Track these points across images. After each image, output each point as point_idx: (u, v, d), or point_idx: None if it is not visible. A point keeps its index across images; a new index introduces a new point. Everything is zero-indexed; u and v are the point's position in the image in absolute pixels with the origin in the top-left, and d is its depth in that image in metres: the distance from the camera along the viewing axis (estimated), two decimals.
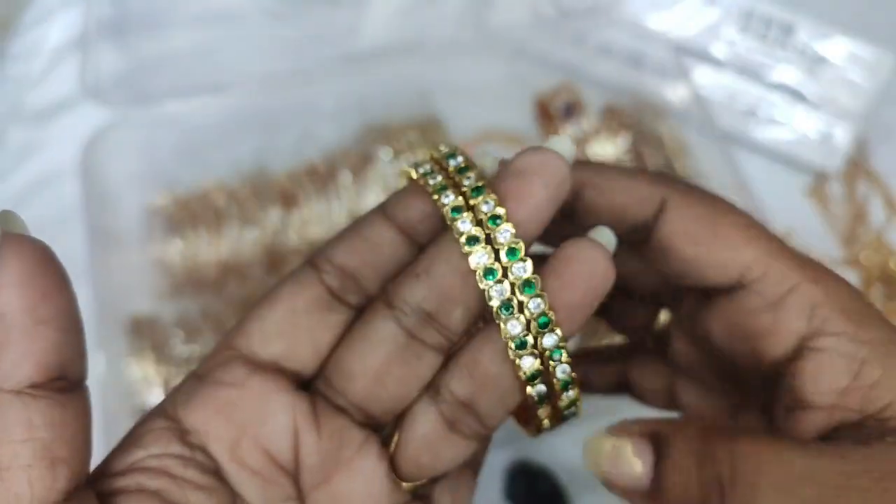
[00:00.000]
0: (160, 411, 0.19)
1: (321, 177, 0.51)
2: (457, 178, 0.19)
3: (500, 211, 0.18)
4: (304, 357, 0.19)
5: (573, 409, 0.20)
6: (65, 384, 0.17)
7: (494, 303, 0.18)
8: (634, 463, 0.18)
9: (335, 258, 0.19)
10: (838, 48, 0.56)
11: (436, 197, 0.19)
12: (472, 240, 0.18)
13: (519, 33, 0.59)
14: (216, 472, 0.19)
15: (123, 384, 0.44)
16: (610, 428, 0.19)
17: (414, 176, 0.20)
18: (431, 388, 0.20)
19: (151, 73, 0.58)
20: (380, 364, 0.19)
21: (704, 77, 0.58)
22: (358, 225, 0.20)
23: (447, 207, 0.19)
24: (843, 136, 0.56)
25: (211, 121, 0.52)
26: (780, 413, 0.21)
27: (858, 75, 0.56)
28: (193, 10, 0.61)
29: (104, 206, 0.49)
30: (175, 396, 0.19)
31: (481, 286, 0.18)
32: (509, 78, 0.59)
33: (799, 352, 0.20)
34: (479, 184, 0.19)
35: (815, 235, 0.54)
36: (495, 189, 0.19)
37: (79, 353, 0.18)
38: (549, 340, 0.19)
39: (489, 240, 0.18)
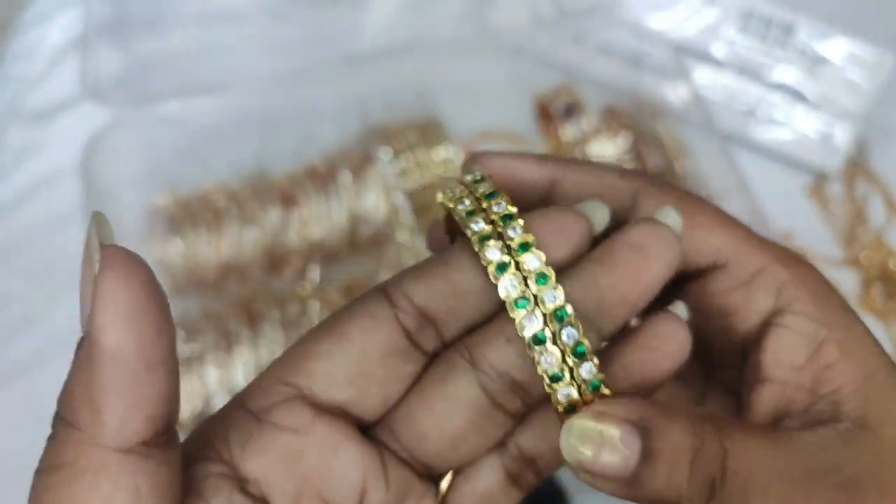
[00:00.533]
0: (212, 452, 0.17)
1: (321, 177, 0.51)
2: (507, 239, 0.18)
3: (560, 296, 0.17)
4: (372, 405, 0.18)
5: None
6: (169, 438, 0.15)
7: (546, 380, 0.17)
8: (620, 451, 0.17)
9: (416, 297, 0.18)
10: (838, 48, 0.56)
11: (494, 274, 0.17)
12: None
13: (519, 33, 0.59)
14: None
15: None
16: (595, 412, 0.17)
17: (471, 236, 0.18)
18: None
19: (151, 73, 0.58)
20: (457, 429, 0.18)
21: (704, 77, 0.58)
22: (445, 265, 0.18)
23: (509, 296, 0.17)
24: (843, 136, 0.56)
25: (211, 121, 0.52)
26: (744, 392, 0.21)
27: (858, 75, 0.56)
28: (194, 9, 0.61)
29: (104, 206, 0.49)
30: (228, 435, 0.17)
31: (540, 372, 0.17)
32: (509, 78, 0.59)
33: (765, 328, 0.20)
34: (542, 270, 0.17)
35: (815, 235, 0.54)
36: (605, 261, 0.18)
37: (178, 398, 0.15)
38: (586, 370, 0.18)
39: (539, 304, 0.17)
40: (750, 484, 0.17)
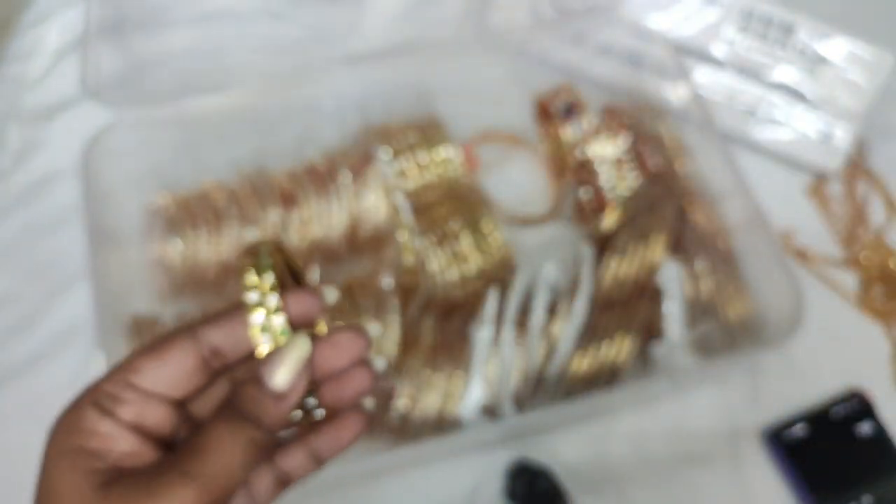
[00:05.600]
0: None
1: (321, 177, 0.51)
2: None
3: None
4: (177, 397, 0.27)
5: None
6: None
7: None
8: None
9: (213, 340, 0.27)
10: (838, 48, 0.56)
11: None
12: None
13: (519, 34, 0.59)
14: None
15: None
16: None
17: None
18: None
19: (151, 73, 0.58)
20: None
21: (704, 77, 0.58)
22: (232, 318, 0.27)
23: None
24: (843, 136, 0.56)
25: (211, 121, 0.52)
26: None
27: (858, 75, 0.56)
28: (193, 9, 0.61)
29: (104, 206, 0.49)
30: (102, 403, 0.26)
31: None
32: (509, 78, 0.59)
33: None
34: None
35: (815, 235, 0.54)
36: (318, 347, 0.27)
37: None
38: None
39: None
40: None
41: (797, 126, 0.57)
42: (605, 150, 0.54)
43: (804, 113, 0.57)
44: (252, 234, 0.49)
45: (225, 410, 0.26)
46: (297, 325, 0.27)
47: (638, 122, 0.55)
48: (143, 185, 0.51)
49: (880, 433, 0.46)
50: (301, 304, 0.28)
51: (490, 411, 0.45)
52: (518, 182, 0.55)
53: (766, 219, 0.49)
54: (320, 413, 0.29)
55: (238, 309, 0.28)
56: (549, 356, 0.46)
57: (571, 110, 0.55)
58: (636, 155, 0.54)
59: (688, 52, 0.58)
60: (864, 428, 0.46)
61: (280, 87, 0.54)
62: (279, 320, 0.27)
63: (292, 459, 0.29)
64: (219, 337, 0.27)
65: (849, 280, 0.53)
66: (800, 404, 0.47)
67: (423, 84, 0.56)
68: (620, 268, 0.48)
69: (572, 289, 0.47)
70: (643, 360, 0.47)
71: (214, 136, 0.53)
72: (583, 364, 0.46)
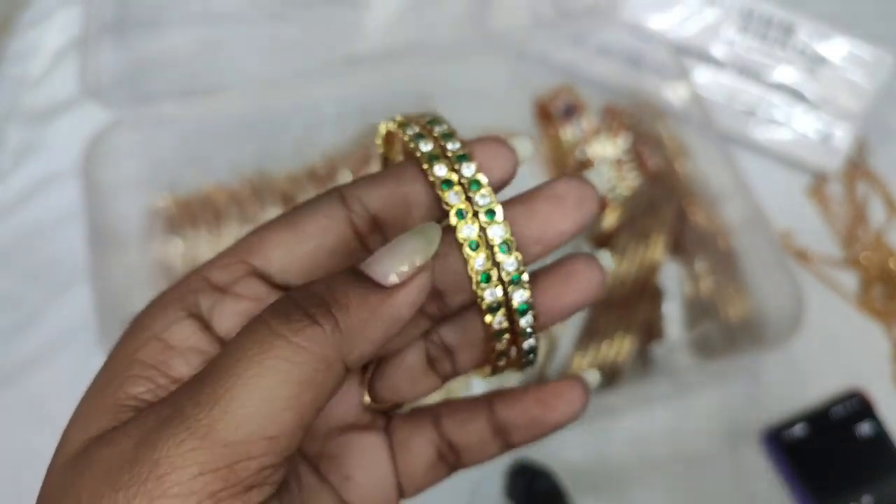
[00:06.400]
0: (183, 311, 0.19)
1: (321, 178, 0.51)
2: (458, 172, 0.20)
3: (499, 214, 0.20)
4: None
5: (532, 356, 0.21)
6: None
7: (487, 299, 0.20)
8: None
9: (369, 203, 0.19)
10: (838, 48, 0.56)
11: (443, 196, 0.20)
12: (474, 244, 0.19)
13: (519, 35, 0.59)
14: None
15: None
16: None
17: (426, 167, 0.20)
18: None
19: (151, 73, 0.58)
20: None
21: (704, 77, 0.58)
22: (398, 178, 0.20)
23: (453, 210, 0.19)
24: (843, 136, 0.56)
25: (211, 121, 0.52)
26: None
27: (858, 75, 0.56)
28: (194, 10, 0.61)
29: (104, 206, 0.49)
30: (197, 301, 0.19)
31: (472, 274, 0.19)
32: (509, 79, 0.58)
33: None
34: (478, 178, 0.20)
35: (815, 235, 0.54)
36: (526, 205, 0.20)
37: None
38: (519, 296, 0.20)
39: (489, 247, 0.19)
40: None
41: (797, 126, 0.57)
42: (605, 150, 0.54)
43: (804, 113, 0.57)
44: None
45: (267, 312, 0.16)
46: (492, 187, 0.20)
47: (638, 122, 0.55)
48: (143, 185, 0.51)
49: (880, 433, 0.46)
50: (492, 155, 0.20)
51: None
52: (518, 182, 0.55)
53: (766, 219, 0.49)
54: (530, 344, 0.20)
55: (406, 164, 0.20)
56: (549, 356, 0.46)
57: (571, 111, 0.55)
58: (636, 155, 0.54)
59: (688, 53, 0.58)
60: (864, 428, 0.47)
61: (281, 88, 0.54)
62: (469, 168, 0.19)
63: (467, 431, 0.20)
64: (379, 199, 0.19)
65: (849, 280, 0.53)
66: (800, 404, 0.47)
67: (424, 85, 0.56)
68: (620, 268, 0.48)
69: None
70: (643, 361, 0.47)
71: (215, 137, 0.53)
72: (583, 364, 0.46)
